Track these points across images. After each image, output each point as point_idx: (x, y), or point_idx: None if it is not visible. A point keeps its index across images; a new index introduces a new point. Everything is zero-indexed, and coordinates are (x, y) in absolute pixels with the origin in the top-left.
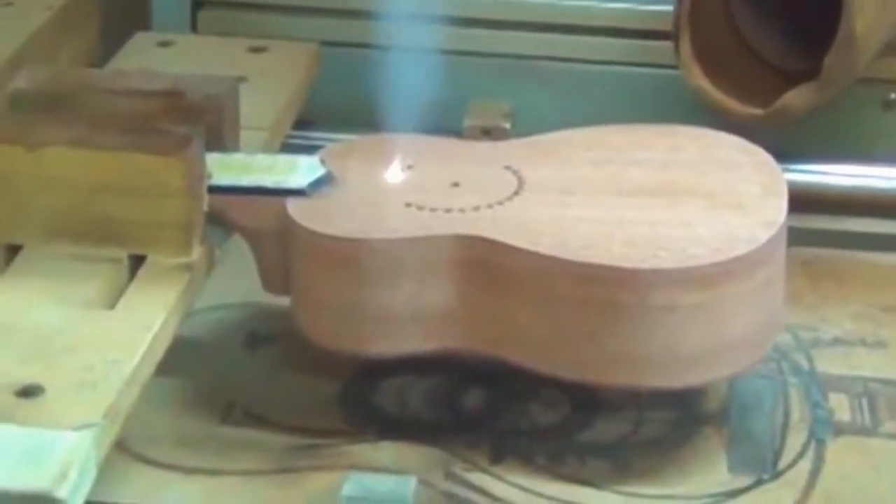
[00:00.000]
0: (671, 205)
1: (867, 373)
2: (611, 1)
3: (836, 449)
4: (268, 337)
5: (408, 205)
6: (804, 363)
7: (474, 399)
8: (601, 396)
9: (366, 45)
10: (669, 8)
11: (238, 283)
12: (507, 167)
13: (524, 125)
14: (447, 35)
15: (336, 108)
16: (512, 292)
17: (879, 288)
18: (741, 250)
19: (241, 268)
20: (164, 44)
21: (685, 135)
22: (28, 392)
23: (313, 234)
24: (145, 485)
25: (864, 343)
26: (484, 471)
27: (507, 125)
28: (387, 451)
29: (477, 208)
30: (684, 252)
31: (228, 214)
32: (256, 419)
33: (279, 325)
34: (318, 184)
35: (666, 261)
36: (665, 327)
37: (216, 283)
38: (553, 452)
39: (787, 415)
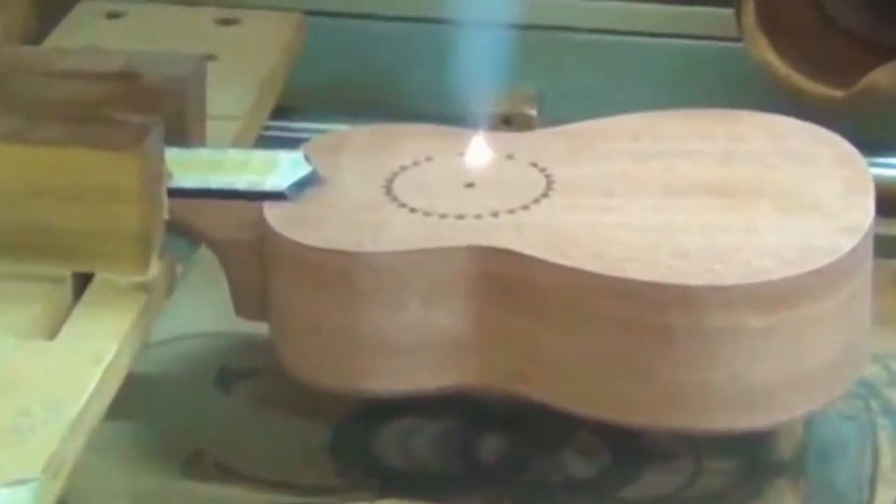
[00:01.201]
0: (732, 207)
1: None
2: None
3: None
4: (243, 372)
5: (412, 210)
6: None
7: (494, 447)
8: (648, 442)
9: (359, 15)
10: None
11: (206, 307)
12: (533, 164)
13: (553, 112)
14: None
15: (324, 92)
16: (539, 316)
17: None
18: (819, 262)
19: (210, 288)
20: (114, 14)
21: (749, 122)
22: None
23: (297, 245)
24: None
25: None
26: None
27: (533, 112)
28: None
29: (496, 214)
30: (749, 265)
31: (193, 223)
32: (229, 472)
33: (256, 359)
34: (301, 185)
35: (726, 276)
36: (726, 356)
37: (179, 306)
38: None
39: (875, 463)
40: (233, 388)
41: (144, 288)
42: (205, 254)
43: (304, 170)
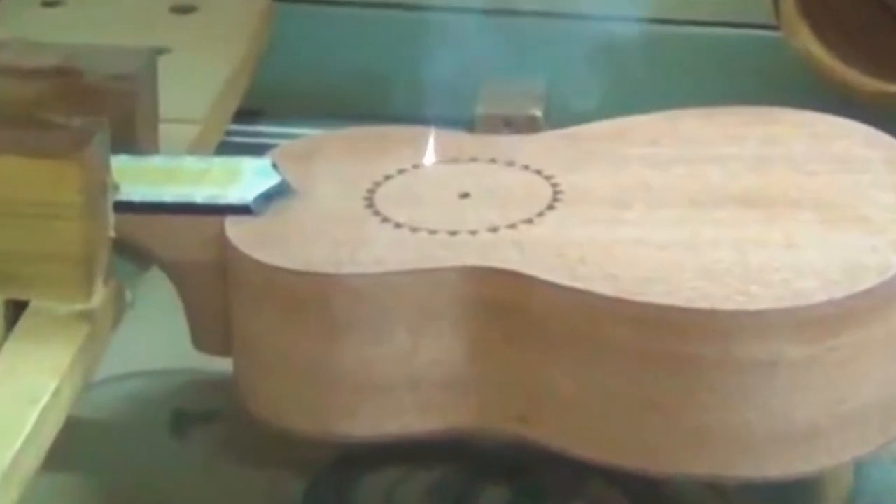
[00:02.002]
0: (768, 219)
1: None
2: None
3: None
4: (201, 416)
5: (397, 225)
6: None
7: (494, 500)
8: (671, 492)
9: (336, 1)
10: None
11: (159, 340)
12: (537, 171)
13: (561, 112)
14: None
15: (295, 90)
16: (545, 347)
17: None
18: (868, 282)
19: (163, 318)
20: (51, 2)
21: (787, 121)
22: None
23: (264, 267)
24: None
25: None
26: None
27: (538, 112)
28: None
29: (495, 229)
30: (787, 286)
31: (144, 242)
32: None
33: (217, 400)
34: (269, 197)
35: (761, 299)
36: (761, 393)
37: (128, 339)
38: None
39: None
40: (190, 434)
41: (87, 317)
42: (157, 278)
43: (272, 180)
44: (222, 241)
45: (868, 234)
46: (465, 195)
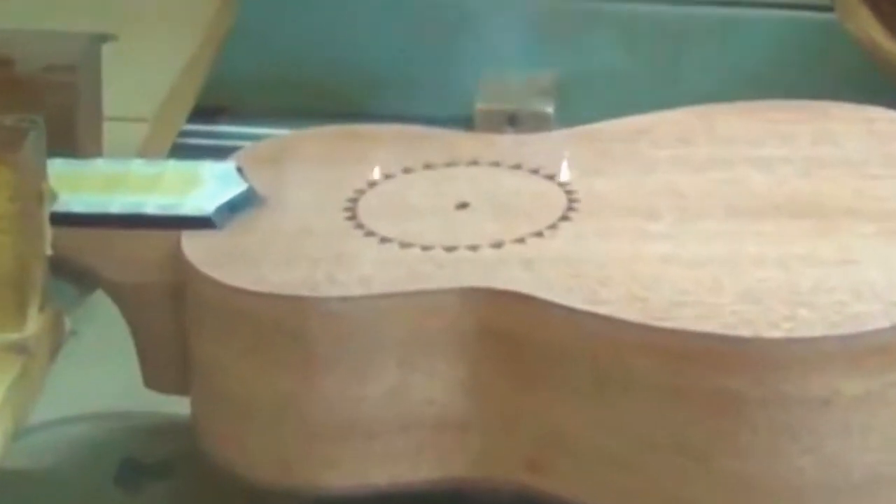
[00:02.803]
0: (820, 231)
1: None
2: None
3: None
4: (155, 467)
5: (384, 240)
6: None
7: None
8: None
9: None
10: None
11: (104, 377)
12: (549, 176)
13: (576, 108)
14: None
15: (261, 84)
16: (557, 383)
17: None
18: None
19: (109, 350)
20: None
21: (842, 117)
22: None
23: (228, 290)
24: None
25: None
26: None
27: (549, 109)
28: None
29: (499, 244)
30: (843, 309)
31: (86, 260)
32: None
33: (173, 447)
34: (233, 207)
35: (812, 325)
36: (812, 436)
37: (68, 375)
38: None
39: None
40: (141, 488)
41: (20, 349)
42: (102, 303)
43: (236, 187)
44: (178, 260)
45: None
46: (463, 205)
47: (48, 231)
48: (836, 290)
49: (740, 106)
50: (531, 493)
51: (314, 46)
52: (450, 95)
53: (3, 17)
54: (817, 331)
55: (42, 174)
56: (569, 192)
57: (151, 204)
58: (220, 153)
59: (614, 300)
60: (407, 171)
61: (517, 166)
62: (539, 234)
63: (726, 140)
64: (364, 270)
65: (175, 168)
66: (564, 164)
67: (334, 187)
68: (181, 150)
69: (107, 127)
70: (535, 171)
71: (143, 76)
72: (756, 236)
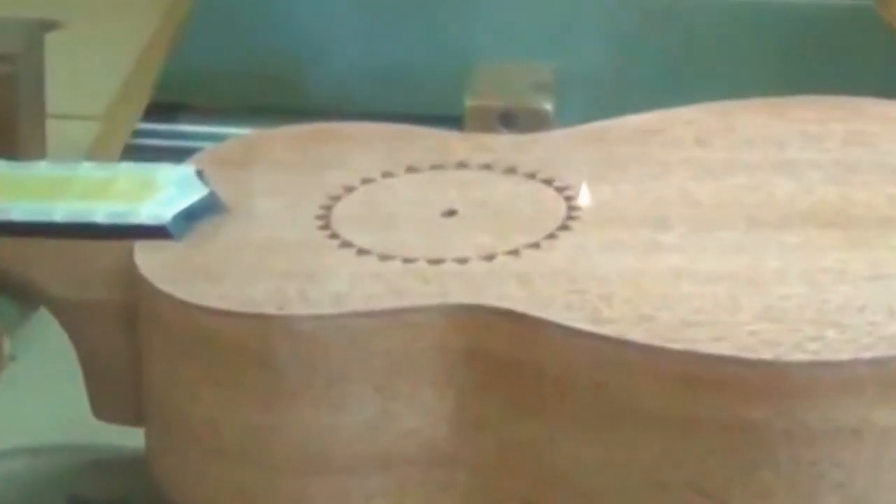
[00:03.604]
0: (850, 243)
1: None
2: None
3: None
4: None
5: (362, 251)
6: None
7: None
8: None
9: None
10: None
11: (48, 405)
12: (547, 181)
13: (576, 105)
14: None
15: (222, 79)
16: (557, 413)
17: None
18: None
19: (53, 375)
20: None
21: (877, 115)
22: None
23: (187, 308)
24: None
25: None
26: None
27: (547, 106)
28: None
29: (491, 256)
30: (875, 330)
31: (28, 274)
32: None
33: (125, 484)
34: (193, 215)
35: (840, 346)
36: (842, 470)
37: (7, 404)
38: None
39: None
40: None
41: None
42: (45, 322)
43: (196, 193)
44: (131, 274)
45: None
46: (450, 212)
47: None
48: (867, 308)
49: (762, 103)
50: None
51: (282, 35)
52: (436, 90)
53: None
54: (846, 354)
55: None
56: (569, 199)
57: (101, 212)
58: (178, 155)
59: (619, 319)
60: (387, 174)
61: (511, 170)
62: (535, 246)
63: (747, 141)
64: (339, 286)
65: (128, 172)
66: (565, 168)
67: (306, 193)
68: (135, 152)
69: (51, 125)
70: (531, 176)
71: (92, 68)
72: (779, 249)
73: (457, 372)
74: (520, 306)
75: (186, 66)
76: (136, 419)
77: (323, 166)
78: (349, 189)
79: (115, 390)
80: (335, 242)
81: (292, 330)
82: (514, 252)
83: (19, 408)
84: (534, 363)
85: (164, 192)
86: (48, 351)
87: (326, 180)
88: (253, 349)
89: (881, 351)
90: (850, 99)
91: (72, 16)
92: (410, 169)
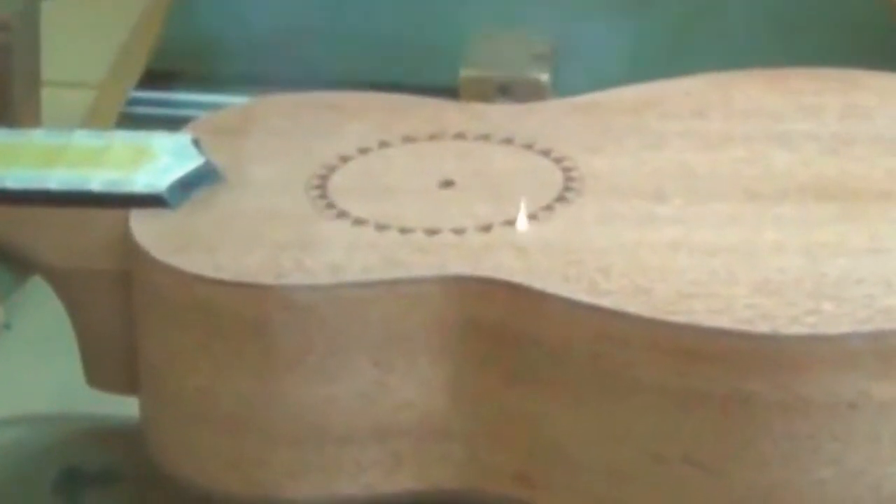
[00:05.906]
0: (848, 216)
1: None
2: None
3: None
4: (99, 475)
5: (358, 221)
6: None
7: None
8: None
9: None
10: None
11: (42, 374)
12: (544, 152)
13: (574, 76)
14: None
15: (218, 47)
16: (554, 385)
17: None
18: None
19: (48, 344)
20: None
21: (875, 87)
22: None
23: (182, 278)
24: None
25: None
26: None
27: (545, 76)
28: None
29: (488, 227)
30: (873, 303)
31: (22, 242)
32: None
33: (118, 453)
34: (188, 184)
35: (838, 320)
36: (837, 444)
37: (1, 373)
38: None
39: None
40: (82, 498)
41: None
42: (40, 291)
43: (192, 162)
44: (126, 243)
45: None
46: (447, 183)
47: None
48: (865, 281)
49: (760, 75)
50: None
51: (278, 4)
52: (433, 60)
53: None
54: (844, 327)
55: None
56: (566, 170)
57: (96, 180)
58: (173, 123)
59: (616, 291)
60: (384, 144)
61: (508, 140)
62: (533, 217)
63: (744, 113)
64: (335, 256)
65: (123, 140)
66: (562, 139)
67: (302, 162)
68: (130, 120)
69: (46, 93)
70: (528, 147)
71: (87, 36)
72: (776, 221)
73: (453, 343)
74: (516, 277)
75: (182, 35)
76: (131, 388)
77: (319, 136)
78: (345, 159)
79: (109, 359)
80: (331, 212)
81: (287, 300)
82: (511, 223)
83: (12, 378)
84: (531, 335)
85: (159, 160)
86: (41, 319)
87: (323, 150)
88: (248, 319)
89: (878, 324)
90: (848, 71)
91: None
92: (407, 139)
